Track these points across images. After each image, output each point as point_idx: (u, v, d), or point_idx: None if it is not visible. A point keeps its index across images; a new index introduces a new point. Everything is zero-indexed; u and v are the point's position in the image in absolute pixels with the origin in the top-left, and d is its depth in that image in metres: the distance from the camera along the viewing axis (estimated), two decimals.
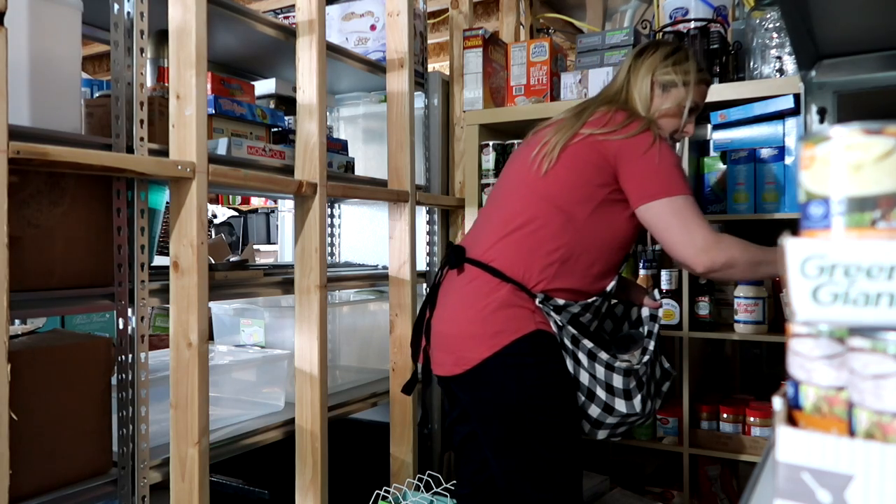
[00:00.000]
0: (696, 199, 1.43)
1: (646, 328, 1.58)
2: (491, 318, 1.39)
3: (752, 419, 2.05)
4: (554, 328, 1.41)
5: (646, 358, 1.47)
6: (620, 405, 1.42)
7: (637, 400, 1.44)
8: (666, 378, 1.58)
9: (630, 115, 1.47)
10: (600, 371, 1.41)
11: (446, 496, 1.72)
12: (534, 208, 1.43)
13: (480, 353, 1.38)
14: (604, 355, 1.41)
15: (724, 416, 2.10)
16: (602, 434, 1.48)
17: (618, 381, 1.42)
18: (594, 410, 1.44)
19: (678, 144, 1.67)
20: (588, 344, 1.40)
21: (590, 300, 1.45)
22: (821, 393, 0.47)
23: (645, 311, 1.61)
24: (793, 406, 0.49)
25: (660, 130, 1.48)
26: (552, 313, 1.39)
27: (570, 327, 1.40)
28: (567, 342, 1.40)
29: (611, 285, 1.48)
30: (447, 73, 2.42)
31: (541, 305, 1.39)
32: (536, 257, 1.41)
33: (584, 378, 1.42)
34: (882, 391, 0.42)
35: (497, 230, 1.46)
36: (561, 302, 1.40)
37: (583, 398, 1.44)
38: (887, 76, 1.63)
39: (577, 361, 1.42)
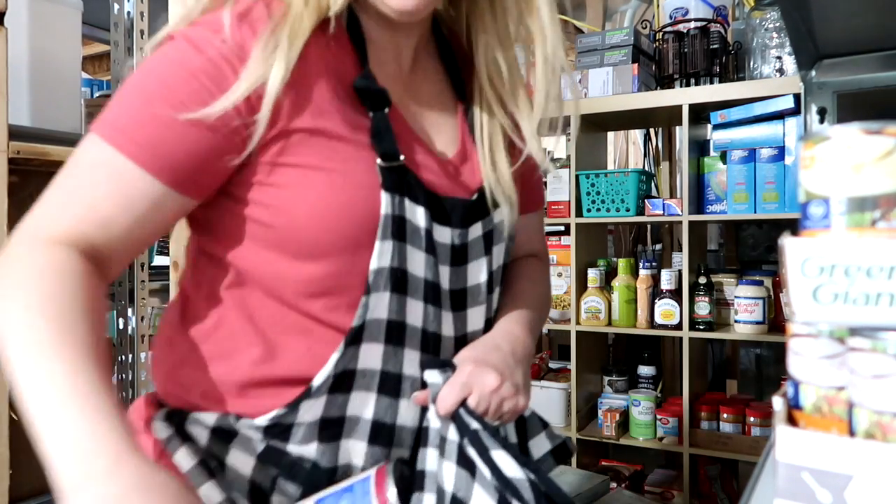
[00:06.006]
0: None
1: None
2: None
3: (752, 419, 2.05)
4: None
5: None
6: None
7: None
8: None
9: None
10: None
11: None
12: None
13: None
14: None
15: (724, 416, 2.10)
16: None
17: None
18: None
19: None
20: None
21: None
22: (821, 393, 0.47)
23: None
24: (793, 406, 0.49)
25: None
26: None
27: None
28: None
29: None
30: None
31: None
32: None
33: None
34: (882, 391, 0.42)
35: None
36: None
37: None
38: (887, 76, 1.63)
39: None
